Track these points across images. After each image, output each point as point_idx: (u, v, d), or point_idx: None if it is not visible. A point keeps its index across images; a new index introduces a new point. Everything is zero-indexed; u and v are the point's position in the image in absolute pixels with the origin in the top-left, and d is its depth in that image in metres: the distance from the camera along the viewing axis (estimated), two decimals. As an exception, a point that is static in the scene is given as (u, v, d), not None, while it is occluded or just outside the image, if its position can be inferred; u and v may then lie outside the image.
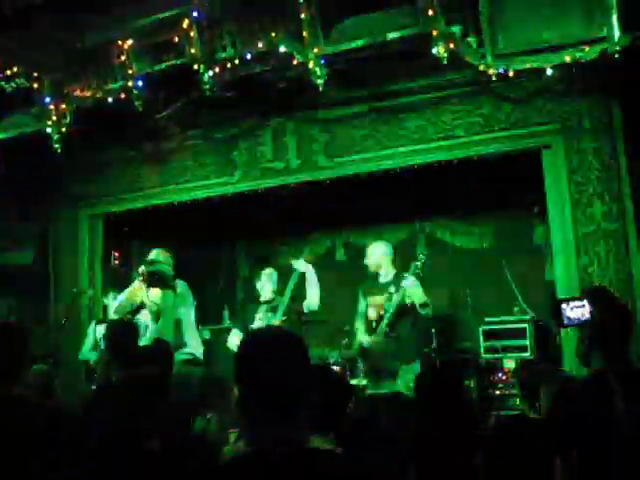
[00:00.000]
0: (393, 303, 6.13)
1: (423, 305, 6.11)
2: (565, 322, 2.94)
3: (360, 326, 6.43)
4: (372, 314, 6.31)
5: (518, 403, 6.44)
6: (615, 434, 2.64)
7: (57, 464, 2.94)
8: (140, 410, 2.89)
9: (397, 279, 6.27)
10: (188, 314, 6.19)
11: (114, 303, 6.39)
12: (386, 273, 6.44)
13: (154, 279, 5.95)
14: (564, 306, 2.95)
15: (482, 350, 7.43)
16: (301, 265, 6.34)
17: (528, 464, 3.27)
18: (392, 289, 6.20)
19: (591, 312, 2.90)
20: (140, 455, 2.76)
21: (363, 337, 6.27)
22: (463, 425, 3.25)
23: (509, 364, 7.26)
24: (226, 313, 9.13)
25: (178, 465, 2.78)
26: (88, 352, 7.03)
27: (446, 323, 8.21)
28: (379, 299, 6.32)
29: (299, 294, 6.38)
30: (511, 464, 3.41)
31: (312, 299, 6.28)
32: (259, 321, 6.35)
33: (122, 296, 6.18)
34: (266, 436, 1.77)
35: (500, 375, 7.25)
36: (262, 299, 6.55)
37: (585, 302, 2.92)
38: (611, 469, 2.65)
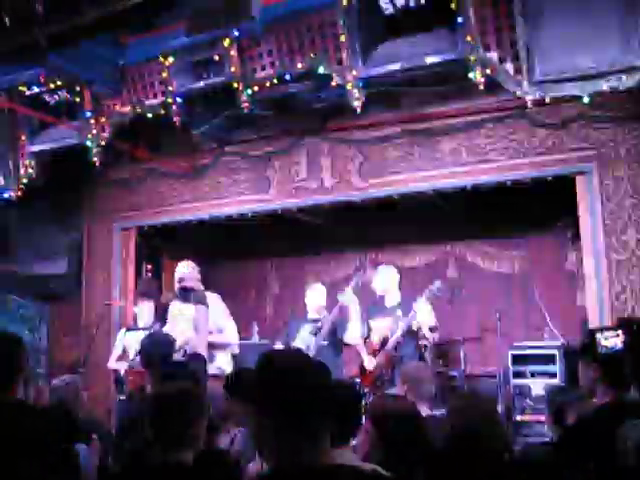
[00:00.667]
0: (400, 326, 6.17)
1: (432, 329, 6.16)
2: (600, 350, 2.94)
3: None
4: (375, 338, 6.36)
5: (547, 430, 6.45)
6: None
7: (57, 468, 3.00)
8: (174, 423, 2.92)
9: (404, 303, 6.30)
10: (217, 329, 6.30)
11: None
12: (392, 297, 6.47)
13: (187, 295, 6.01)
14: (598, 335, 2.95)
15: (510, 374, 7.39)
16: (347, 297, 6.36)
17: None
18: (399, 312, 6.25)
19: (624, 342, 2.90)
20: (172, 469, 2.79)
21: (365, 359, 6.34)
22: (494, 453, 3.22)
23: (538, 389, 7.21)
24: (255, 329, 9.17)
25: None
26: (116, 361, 7.07)
27: (474, 346, 8.18)
28: (384, 322, 6.36)
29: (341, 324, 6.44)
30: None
31: (354, 332, 6.35)
32: (301, 340, 6.37)
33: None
34: (288, 455, 1.78)
35: (528, 400, 7.20)
36: (309, 316, 6.59)
37: (619, 332, 2.92)
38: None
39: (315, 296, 6.63)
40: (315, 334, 6.25)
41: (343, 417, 2.91)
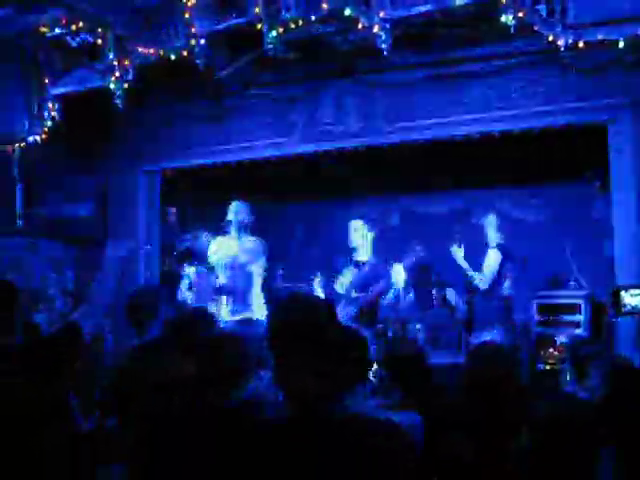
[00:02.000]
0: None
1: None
2: (624, 310, 2.88)
3: None
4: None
5: (568, 379, 6.43)
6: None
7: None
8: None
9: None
10: (257, 272, 6.35)
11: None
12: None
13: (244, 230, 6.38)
14: (623, 293, 2.88)
15: (534, 323, 7.36)
16: (397, 272, 6.18)
17: (577, 449, 3.23)
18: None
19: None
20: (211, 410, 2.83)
21: None
22: (512, 406, 3.21)
23: (561, 339, 7.18)
24: (279, 274, 9.19)
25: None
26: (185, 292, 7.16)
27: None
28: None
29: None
30: (559, 448, 3.37)
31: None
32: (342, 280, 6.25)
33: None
34: (304, 397, 1.78)
35: (551, 350, 7.17)
36: (355, 257, 6.44)
37: (646, 290, 2.84)
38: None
39: (359, 236, 6.45)
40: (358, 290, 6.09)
41: (358, 359, 2.94)
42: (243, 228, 6.42)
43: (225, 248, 6.46)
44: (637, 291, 2.84)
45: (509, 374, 3.17)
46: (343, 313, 5.79)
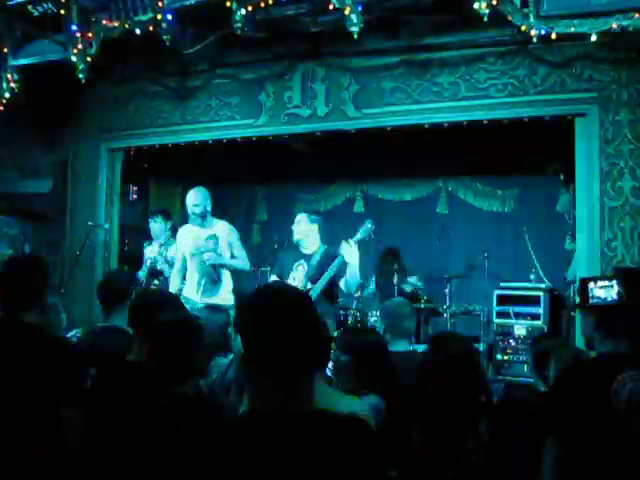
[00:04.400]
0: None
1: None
2: (591, 301, 2.85)
3: None
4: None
5: (526, 370, 6.48)
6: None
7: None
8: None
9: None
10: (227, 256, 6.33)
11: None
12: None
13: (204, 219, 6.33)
14: (591, 285, 2.86)
15: (494, 314, 7.41)
16: (347, 249, 5.86)
17: (533, 438, 3.24)
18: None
19: (619, 293, 2.81)
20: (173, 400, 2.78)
21: None
22: (471, 392, 3.21)
23: (520, 330, 7.23)
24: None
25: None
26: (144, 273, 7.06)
27: (460, 283, 8.17)
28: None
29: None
30: (516, 436, 3.39)
31: (351, 283, 5.85)
32: (294, 279, 6.03)
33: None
34: (271, 397, 1.72)
35: (511, 341, 7.23)
36: (302, 250, 6.06)
37: (614, 282, 2.82)
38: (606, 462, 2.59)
39: (303, 229, 6.07)
40: (312, 281, 5.87)
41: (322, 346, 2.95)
42: (206, 215, 6.31)
43: (193, 235, 6.36)
44: (605, 282, 2.81)
45: (469, 359, 3.17)
46: None
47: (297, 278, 5.88)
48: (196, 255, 6.32)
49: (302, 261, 5.95)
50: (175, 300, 3.79)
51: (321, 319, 2.87)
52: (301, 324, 1.77)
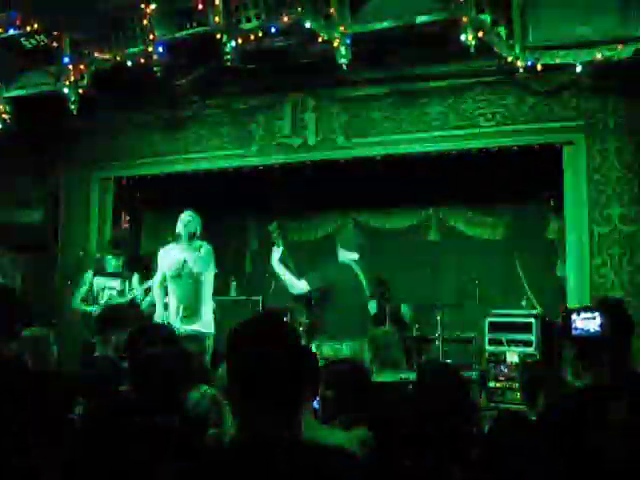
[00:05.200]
0: None
1: None
2: (574, 333, 2.87)
3: None
4: None
5: (518, 398, 6.46)
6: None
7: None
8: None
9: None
10: (208, 280, 6.24)
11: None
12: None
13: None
14: (574, 316, 2.88)
15: (486, 341, 7.39)
16: (347, 255, 5.96)
17: (522, 466, 3.23)
18: None
19: (601, 325, 2.83)
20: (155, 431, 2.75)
21: None
22: (462, 420, 3.20)
23: (512, 357, 7.22)
24: (233, 285, 9.12)
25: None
26: (80, 302, 6.99)
27: (452, 311, 8.16)
28: None
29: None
30: (507, 464, 3.37)
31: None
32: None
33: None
34: (258, 425, 1.71)
35: (503, 368, 7.20)
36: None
37: (596, 314, 2.84)
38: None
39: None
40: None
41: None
42: (195, 234, 6.29)
43: (172, 256, 6.31)
44: (588, 314, 2.83)
45: (460, 389, 3.16)
46: None
47: None
48: (174, 277, 6.26)
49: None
50: (171, 335, 3.78)
51: (310, 350, 2.88)
52: (286, 355, 1.77)
